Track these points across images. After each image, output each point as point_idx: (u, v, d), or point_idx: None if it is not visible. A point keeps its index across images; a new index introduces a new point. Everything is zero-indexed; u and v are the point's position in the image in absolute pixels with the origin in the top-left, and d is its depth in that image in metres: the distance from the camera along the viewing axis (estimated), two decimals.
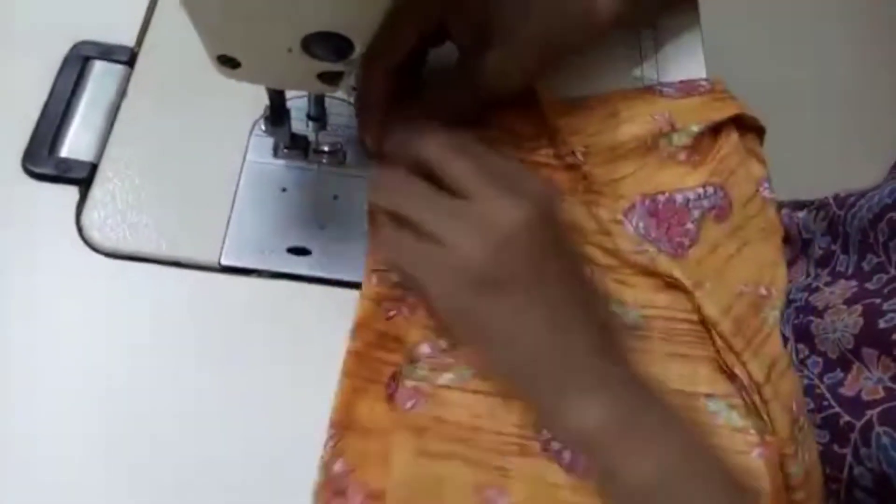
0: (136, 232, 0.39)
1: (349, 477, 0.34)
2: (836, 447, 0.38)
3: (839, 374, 0.39)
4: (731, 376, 0.38)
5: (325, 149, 0.42)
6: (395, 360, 0.37)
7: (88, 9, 0.45)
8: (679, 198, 0.43)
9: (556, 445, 0.36)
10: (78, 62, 0.43)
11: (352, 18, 0.29)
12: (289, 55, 0.31)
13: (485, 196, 0.34)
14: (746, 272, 0.42)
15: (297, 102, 0.41)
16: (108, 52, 0.44)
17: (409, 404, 0.36)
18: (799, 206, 0.51)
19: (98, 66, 0.44)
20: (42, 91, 0.42)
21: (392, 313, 0.38)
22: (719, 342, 0.38)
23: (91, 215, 0.39)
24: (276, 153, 0.42)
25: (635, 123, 0.44)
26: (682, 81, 0.47)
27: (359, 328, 0.37)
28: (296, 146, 0.42)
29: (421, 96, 0.42)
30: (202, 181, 0.41)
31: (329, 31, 0.30)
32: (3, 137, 0.41)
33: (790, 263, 0.46)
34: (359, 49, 0.31)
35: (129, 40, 0.45)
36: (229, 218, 0.40)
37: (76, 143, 0.41)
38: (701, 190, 0.43)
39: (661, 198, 0.43)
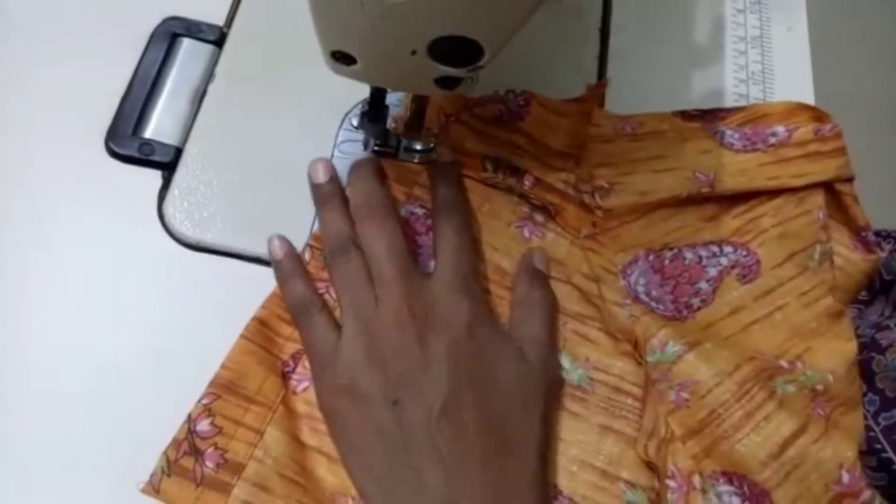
0: (219, 223, 0.38)
1: (211, 439, 0.32)
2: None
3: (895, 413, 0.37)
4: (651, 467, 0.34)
5: (418, 147, 0.40)
6: (299, 340, 0.35)
7: None
8: (689, 255, 0.39)
9: None
10: (166, 38, 0.42)
11: (485, 24, 0.27)
12: (411, 58, 0.29)
13: (387, 313, 0.33)
14: (769, 341, 0.37)
15: (392, 99, 0.39)
16: (196, 30, 0.42)
17: (301, 386, 0.34)
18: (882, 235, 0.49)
19: (186, 44, 0.42)
20: (128, 67, 0.41)
21: (320, 292, 0.36)
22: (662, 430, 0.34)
23: (174, 203, 0.38)
24: (365, 147, 0.40)
25: (674, 175, 0.40)
26: (753, 130, 0.43)
27: (273, 297, 0.36)
28: (387, 143, 0.40)
29: None
30: (289, 174, 0.39)
31: (459, 35, 0.27)
32: (87, 113, 0.39)
33: (866, 303, 0.44)
34: (487, 56, 0.29)
35: (218, 19, 0.43)
36: (316, 216, 0.39)
37: (161, 125, 0.40)
38: (716, 248, 0.40)
39: (668, 253, 0.39)
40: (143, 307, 0.36)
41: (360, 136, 0.40)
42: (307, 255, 0.37)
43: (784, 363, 0.37)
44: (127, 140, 0.39)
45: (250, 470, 0.32)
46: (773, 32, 0.50)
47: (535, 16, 0.28)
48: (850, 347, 0.37)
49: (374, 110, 0.37)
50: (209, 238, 0.37)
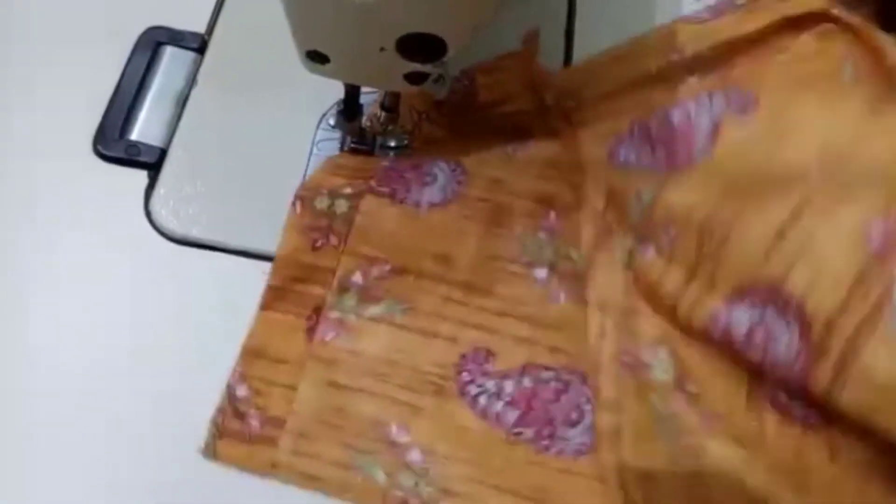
0: (204, 219, 0.39)
1: (251, 402, 0.35)
2: None
3: None
4: None
5: (392, 144, 0.42)
6: (318, 294, 0.37)
7: None
8: (677, 114, 0.36)
9: (473, 390, 0.36)
10: (149, 47, 0.44)
11: (448, 21, 0.30)
12: (380, 54, 0.31)
13: None
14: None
15: (367, 98, 0.41)
16: (179, 38, 0.44)
17: (329, 336, 0.36)
18: None
19: (169, 52, 0.44)
20: (114, 74, 0.43)
21: (319, 242, 0.38)
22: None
23: (160, 200, 0.40)
24: (342, 147, 0.42)
25: (642, 60, 0.39)
26: (716, 4, 0.41)
27: (280, 262, 0.37)
28: (363, 141, 0.42)
29: None
30: (269, 172, 0.41)
31: (424, 32, 0.30)
32: (75, 118, 0.41)
33: None
34: (451, 51, 0.31)
35: (199, 27, 0.45)
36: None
37: (146, 128, 0.42)
38: (705, 97, 0.36)
39: (654, 120, 0.37)
40: (134, 299, 0.38)
41: (337, 135, 0.42)
42: (298, 207, 0.38)
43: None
44: (114, 142, 0.41)
45: (291, 423, 0.35)
46: None
47: (501, 14, 0.30)
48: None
49: (348, 108, 0.39)
50: (194, 233, 0.39)
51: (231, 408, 0.35)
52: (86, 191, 0.40)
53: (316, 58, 0.33)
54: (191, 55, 0.44)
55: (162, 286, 0.38)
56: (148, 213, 0.40)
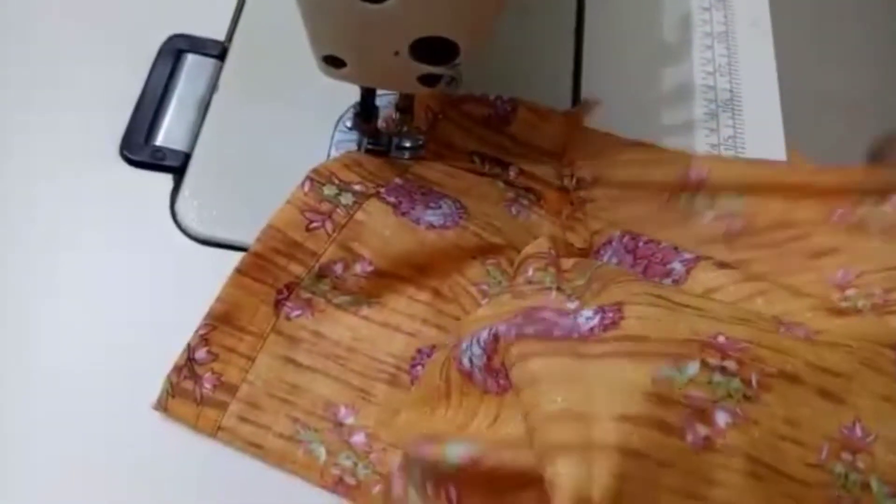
0: (227, 220, 0.41)
1: (208, 366, 0.36)
2: None
3: None
4: None
5: (407, 144, 0.44)
6: (296, 272, 0.38)
7: (182, 4, 0.47)
8: (664, 242, 0.39)
9: None
10: (172, 55, 0.45)
11: (461, 25, 0.31)
12: (395, 58, 0.32)
13: None
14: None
15: (382, 101, 0.42)
16: (200, 46, 0.46)
17: (295, 313, 0.38)
18: None
19: (191, 59, 0.45)
20: (138, 81, 0.44)
21: (314, 225, 0.39)
22: None
23: (185, 202, 0.41)
24: (359, 147, 0.44)
25: (664, 169, 0.42)
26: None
27: (269, 232, 0.38)
28: (379, 142, 0.43)
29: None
30: (289, 173, 0.42)
31: (437, 36, 0.31)
32: (102, 125, 0.43)
33: None
34: (463, 54, 0.32)
35: (220, 35, 0.46)
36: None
37: (170, 133, 0.43)
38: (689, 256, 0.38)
39: (643, 237, 0.39)
40: (160, 297, 0.39)
41: (354, 136, 0.44)
42: (306, 187, 0.39)
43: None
44: (140, 147, 0.42)
45: (243, 391, 0.36)
46: (737, 27, 0.53)
47: (511, 20, 0.31)
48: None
49: (364, 110, 0.40)
50: (218, 233, 0.41)
51: (187, 368, 0.36)
52: (113, 194, 0.42)
53: (332, 62, 0.34)
54: (212, 62, 0.46)
55: (187, 284, 0.39)
56: (173, 215, 0.41)
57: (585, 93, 0.48)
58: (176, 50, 0.45)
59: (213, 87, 0.45)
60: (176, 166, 0.42)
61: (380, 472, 0.35)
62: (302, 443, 0.35)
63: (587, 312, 0.29)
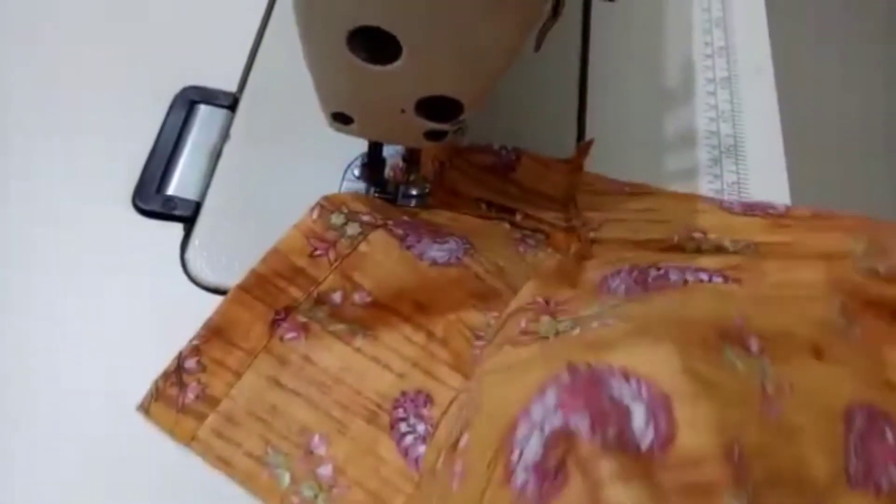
0: (237, 268, 0.41)
1: (196, 376, 0.37)
2: None
3: None
4: None
5: (414, 192, 0.44)
6: (295, 296, 0.39)
7: (195, 56, 0.48)
8: (674, 276, 0.38)
9: (403, 427, 0.36)
10: (185, 106, 0.46)
11: (465, 85, 0.31)
12: (401, 115, 0.33)
13: None
14: None
15: (389, 150, 0.43)
16: (212, 97, 0.47)
17: (289, 335, 0.38)
18: None
19: (203, 110, 0.47)
20: (151, 132, 0.45)
21: (318, 252, 0.39)
22: None
23: (195, 252, 0.42)
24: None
25: (666, 227, 0.42)
26: (750, 202, 0.44)
27: (273, 255, 0.39)
28: (386, 190, 0.44)
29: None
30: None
31: (442, 95, 0.32)
32: (115, 174, 0.44)
33: None
34: (467, 111, 0.33)
35: (231, 86, 0.48)
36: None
37: (182, 182, 0.44)
38: (705, 275, 0.37)
39: (653, 272, 0.38)
40: (169, 346, 0.39)
41: (362, 185, 0.44)
42: (315, 213, 0.40)
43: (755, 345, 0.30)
44: (152, 197, 0.43)
45: (223, 405, 0.37)
46: (740, 73, 0.54)
47: (515, 69, 0.31)
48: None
49: (372, 161, 0.41)
50: (229, 282, 0.41)
51: (175, 375, 0.37)
52: (125, 242, 0.42)
53: (340, 119, 0.35)
54: (223, 112, 0.47)
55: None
56: (184, 264, 0.42)
57: (591, 135, 0.48)
58: (189, 101, 0.47)
59: (224, 136, 0.46)
60: (187, 216, 0.43)
61: None
62: (268, 465, 0.36)
63: (638, 409, 0.25)
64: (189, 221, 0.43)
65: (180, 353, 0.37)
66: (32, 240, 0.42)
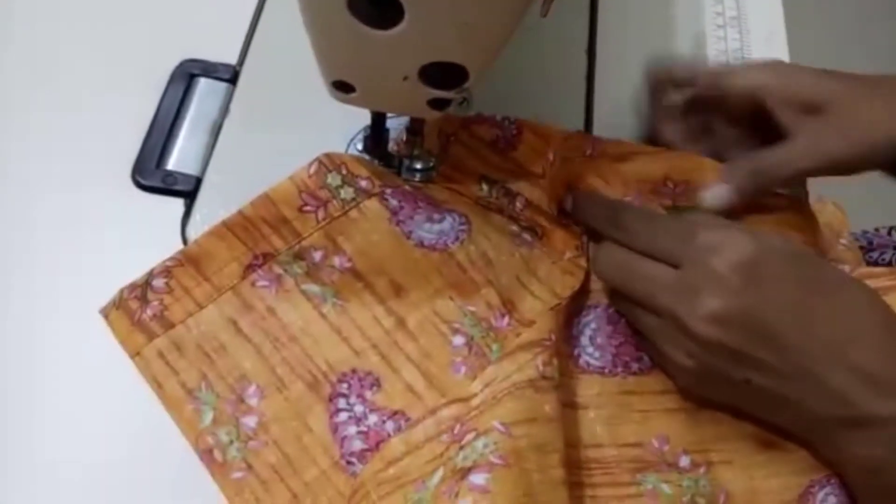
0: None
1: (159, 296, 0.37)
2: None
3: None
4: None
5: (418, 166, 0.43)
6: (276, 245, 0.38)
7: (194, 28, 0.47)
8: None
9: (340, 403, 0.36)
10: (184, 79, 0.45)
11: (469, 50, 0.30)
12: (404, 83, 0.32)
13: (695, 259, 0.34)
14: (688, 431, 0.37)
15: (392, 123, 0.42)
16: (212, 70, 0.46)
17: (260, 283, 0.38)
18: None
19: (203, 83, 0.46)
20: (150, 106, 0.45)
21: (307, 208, 0.38)
22: None
23: (196, 227, 0.41)
24: None
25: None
26: None
27: (262, 201, 0.38)
28: (390, 164, 0.43)
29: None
30: None
31: (447, 61, 0.31)
32: (114, 150, 0.43)
33: None
34: (472, 78, 0.32)
35: (231, 59, 0.47)
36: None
37: (182, 157, 0.43)
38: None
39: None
40: None
41: (365, 158, 0.44)
42: (312, 169, 0.39)
43: (685, 461, 0.37)
44: (151, 172, 0.43)
45: (177, 331, 0.36)
46: (752, 44, 0.53)
47: (522, 39, 0.31)
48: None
49: (375, 133, 0.40)
50: None
51: (141, 289, 0.37)
52: (125, 218, 0.42)
53: (341, 87, 0.34)
54: (223, 86, 0.46)
55: None
56: (185, 240, 0.41)
57: (598, 110, 0.47)
58: (188, 74, 0.46)
59: (224, 110, 0.45)
60: (187, 191, 0.42)
61: (249, 462, 0.34)
62: (197, 400, 0.35)
63: None
64: (190, 196, 0.42)
65: (151, 270, 0.37)
66: (30, 216, 0.41)
